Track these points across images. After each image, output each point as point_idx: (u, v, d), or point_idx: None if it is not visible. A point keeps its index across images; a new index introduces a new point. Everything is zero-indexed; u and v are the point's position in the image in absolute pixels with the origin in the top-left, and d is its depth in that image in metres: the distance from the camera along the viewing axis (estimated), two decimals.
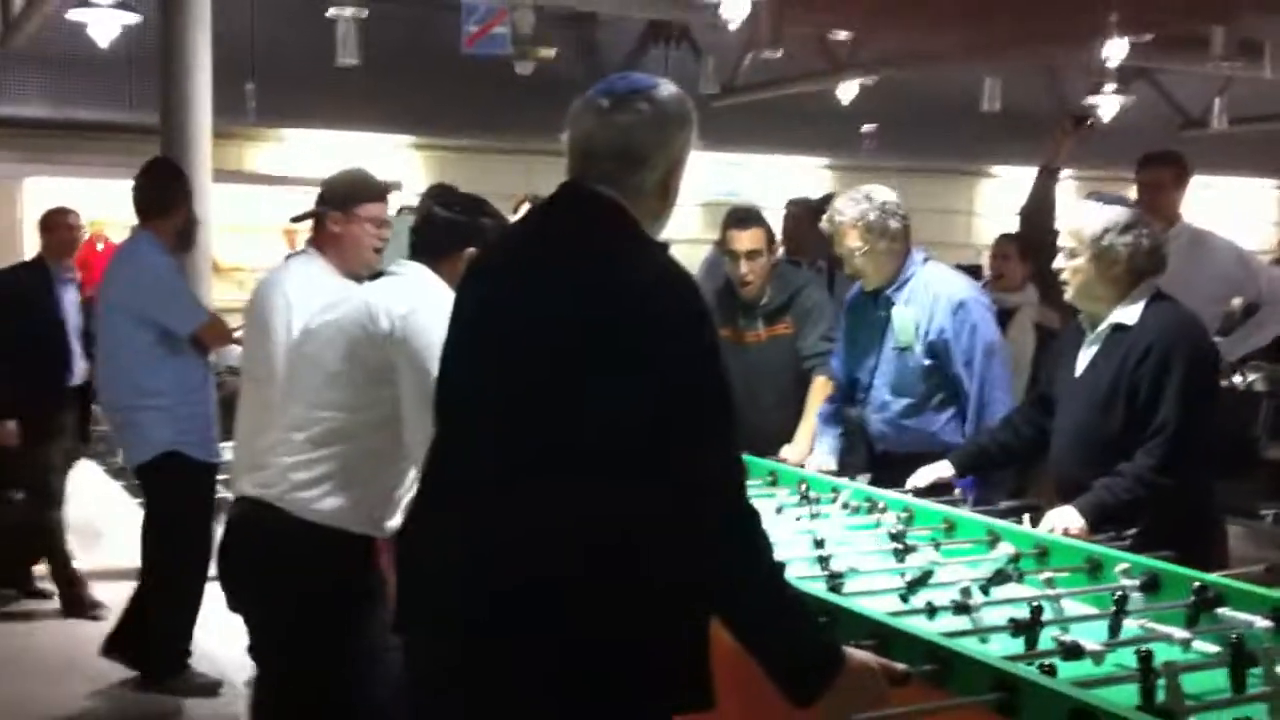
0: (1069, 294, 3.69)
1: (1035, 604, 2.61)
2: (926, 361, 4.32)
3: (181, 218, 5.46)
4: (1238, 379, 8.57)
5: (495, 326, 2.36)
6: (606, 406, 2.19)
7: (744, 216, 4.97)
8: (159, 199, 5.42)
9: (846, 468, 4.49)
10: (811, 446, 4.64)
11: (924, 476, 3.89)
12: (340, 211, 4.00)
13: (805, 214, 6.73)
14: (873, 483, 4.27)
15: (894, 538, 3.30)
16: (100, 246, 14.99)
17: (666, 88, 2.40)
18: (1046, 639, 2.52)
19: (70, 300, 6.58)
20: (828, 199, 4.78)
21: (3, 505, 6.52)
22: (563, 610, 2.20)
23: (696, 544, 2.19)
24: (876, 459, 4.51)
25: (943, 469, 3.91)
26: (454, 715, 2.34)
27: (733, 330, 4.93)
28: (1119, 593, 2.74)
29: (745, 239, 4.88)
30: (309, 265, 4.03)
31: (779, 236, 6.36)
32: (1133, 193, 5.34)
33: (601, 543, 2.20)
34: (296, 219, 4.31)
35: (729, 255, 4.94)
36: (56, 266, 6.52)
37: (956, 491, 3.92)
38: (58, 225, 6.61)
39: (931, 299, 4.32)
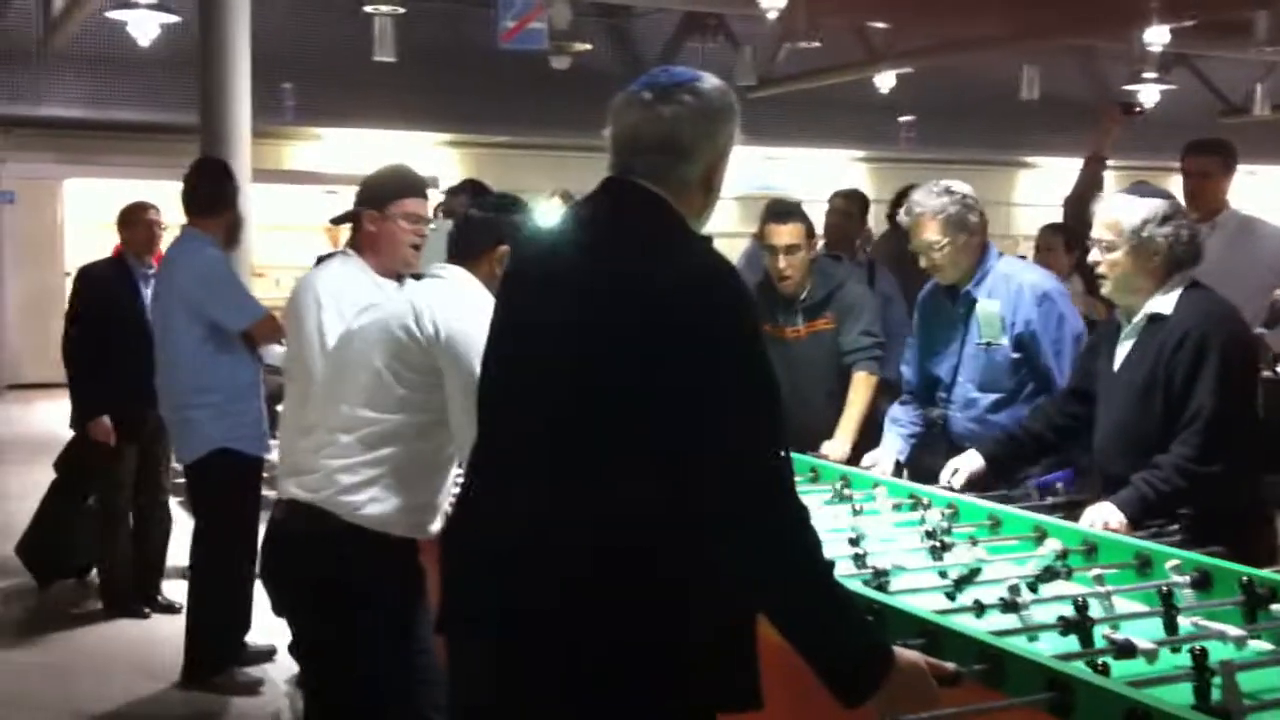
0: (1106, 289, 3.64)
1: (1080, 600, 2.56)
2: (1015, 355, 4.26)
3: (231, 216, 5.49)
4: None
5: (536, 324, 2.35)
6: (648, 403, 2.17)
7: (783, 210, 4.93)
8: (210, 198, 5.46)
9: (924, 470, 4.36)
10: (853, 442, 4.60)
11: (961, 473, 3.84)
12: (376, 210, 3.94)
13: (851, 206, 6.68)
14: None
15: (931, 535, 3.25)
16: None
17: (710, 80, 2.38)
18: (1098, 637, 2.49)
19: (151, 297, 6.41)
20: (906, 191, 4.70)
21: (79, 509, 6.45)
22: (602, 610, 2.18)
23: (741, 540, 2.16)
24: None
25: (972, 459, 3.87)
26: (491, 714, 2.33)
27: (773, 326, 4.89)
28: (1165, 588, 2.69)
29: (784, 234, 4.83)
30: (345, 266, 3.99)
31: (821, 229, 6.34)
32: (1173, 183, 5.27)
33: (643, 542, 2.19)
34: (336, 220, 4.26)
35: (767, 250, 4.89)
36: (137, 263, 6.42)
37: (1059, 485, 3.85)
38: (138, 221, 6.53)
39: (1015, 291, 4.26)
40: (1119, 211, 3.56)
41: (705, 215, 2.40)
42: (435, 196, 6.94)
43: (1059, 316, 4.25)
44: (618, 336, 2.21)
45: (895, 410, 4.57)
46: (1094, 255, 3.62)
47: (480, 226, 3.41)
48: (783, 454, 2.22)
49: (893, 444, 4.42)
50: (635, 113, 2.33)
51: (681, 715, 2.24)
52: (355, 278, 3.92)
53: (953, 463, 3.90)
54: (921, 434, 4.47)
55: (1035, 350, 4.25)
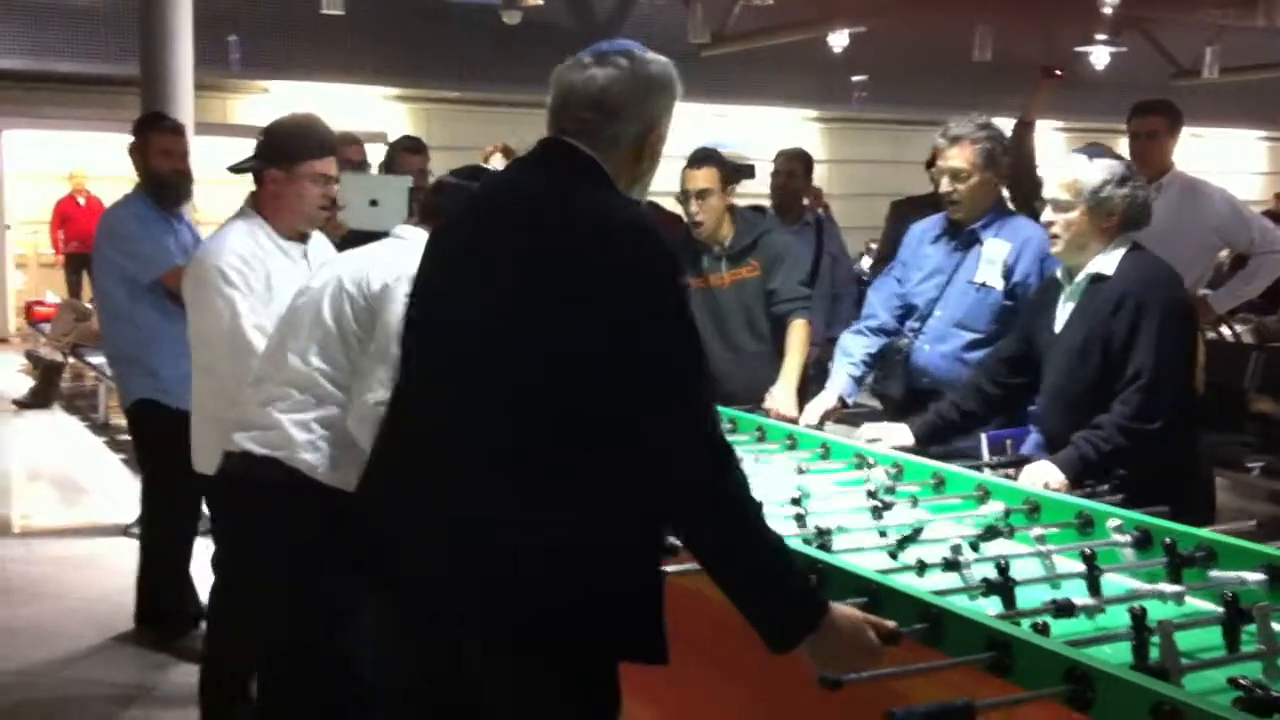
0: (1058, 248, 3.64)
1: (1003, 562, 2.56)
2: (1007, 302, 4.24)
3: (143, 168, 5.29)
4: (1225, 330, 8.55)
5: (460, 286, 2.38)
6: (571, 359, 2.21)
7: (698, 155, 4.92)
8: (130, 150, 5.36)
9: (880, 398, 4.43)
10: (798, 396, 4.57)
11: (882, 445, 3.80)
12: (282, 169, 3.77)
13: (794, 165, 6.65)
14: (905, 416, 4.24)
15: (874, 494, 3.25)
16: (82, 200, 14.89)
17: (652, 54, 2.44)
18: (1038, 597, 2.49)
19: None
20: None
21: None
22: (518, 556, 2.21)
23: (669, 486, 2.20)
24: (919, 394, 4.38)
25: (903, 435, 3.85)
26: (413, 660, 2.40)
27: (696, 275, 4.92)
28: (1089, 549, 2.69)
29: (697, 178, 4.83)
30: (251, 232, 3.82)
31: (769, 188, 6.33)
32: (1123, 145, 5.28)
33: (569, 497, 2.21)
34: (234, 169, 3.98)
35: (681, 194, 4.89)
36: None
37: (1008, 442, 3.85)
38: None
39: (1022, 241, 4.24)
40: (1078, 171, 3.56)
41: (641, 184, 2.45)
42: (382, 151, 6.86)
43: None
44: (542, 295, 2.24)
45: (848, 341, 4.50)
46: (1048, 215, 3.61)
47: (455, 193, 3.36)
48: (708, 397, 2.28)
49: (839, 383, 4.38)
50: (572, 74, 2.39)
51: (591, 660, 2.28)
52: (259, 244, 3.79)
53: (877, 429, 3.89)
54: (873, 363, 4.45)
55: (1022, 305, 4.25)
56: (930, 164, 4.67)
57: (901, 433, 3.89)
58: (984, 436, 3.96)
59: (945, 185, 4.29)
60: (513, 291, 2.27)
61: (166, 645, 5.17)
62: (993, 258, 4.26)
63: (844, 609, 2.23)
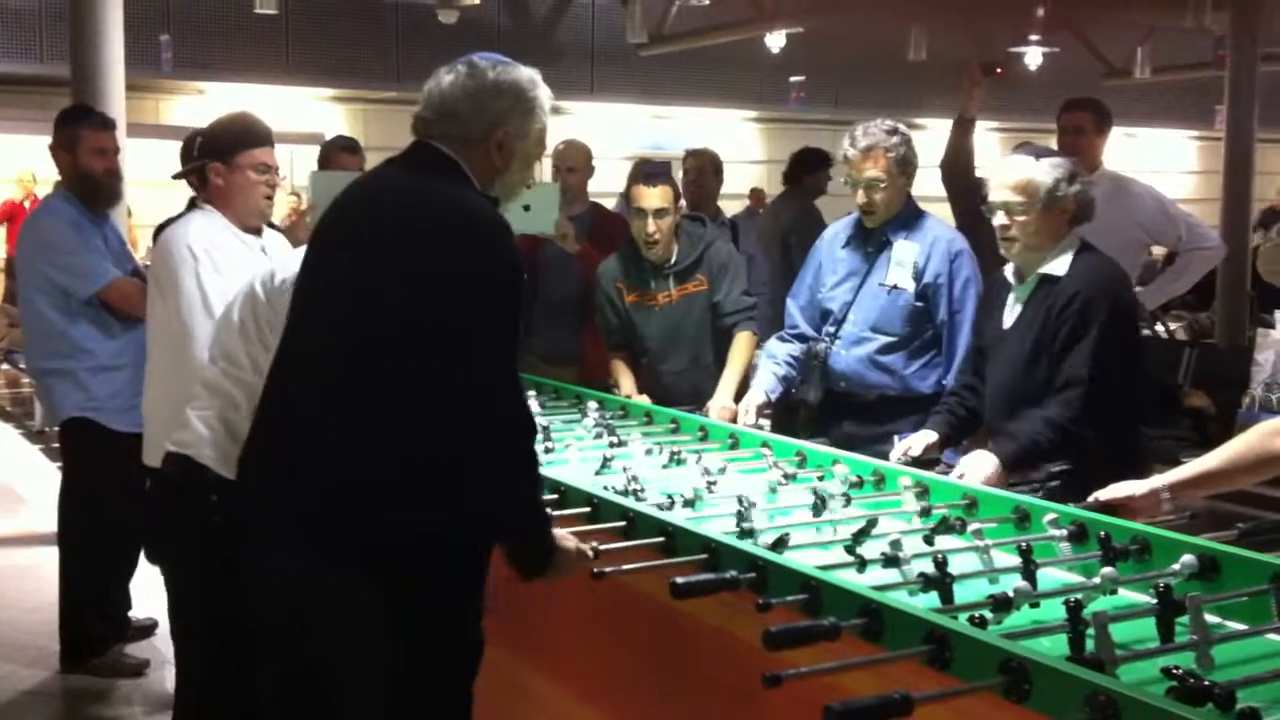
0: (1014, 250, 3.61)
1: (940, 557, 2.58)
2: (918, 303, 4.29)
3: (70, 167, 5.04)
4: (1159, 328, 8.68)
5: (324, 270, 2.65)
6: (407, 338, 2.45)
7: (652, 172, 4.84)
8: (52, 149, 5.12)
9: (795, 402, 4.46)
10: (737, 399, 4.57)
11: (916, 445, 3.74)
12: (221, 161, 3.79)
13: (704, 163, 6.66)
14: (823, 421, 4.34)
15: (815, 491, 3.26)
16: (28, 205, 14.62)
17: (505, 63, 2.69)
18: (976, 591, 2.52)
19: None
20: (803, 154, 4.62)
21: None
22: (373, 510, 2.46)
23: (479, 437, 2.50)
24: (835, 398, 4.44)
25: (930, 437, 3.80)
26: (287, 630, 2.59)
27: (642, 294, 4.86)
28: (1025, 544, 2.71)
29: (654, 196, 4.69)
30: (209, 220, 3.84)
31: (680, 189, 6.34)
32: (1054, 143, 5.33)
33: (399, 436, 2.45)
34: (178, 175, 4.04)
35: (636, 213, 4.75)
36: None
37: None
38: None
39: (931, 242, 4.29)
40: (1031, 172, 3.54)
41: (502, 182, 2.71)
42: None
43: (966, 279, 4.29)
44: (385, 274, 2.50)
45: (774, 345, 4.56)
46: (1000, 219, 3.58)
47: None
48: (514, 386, 2.55)
49: (763, 381, 4.42)
50: (427, 84, 2.70)
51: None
52: (221, 232, 3.81)
53: (907, 440, 3.80)
54: (796, 366, 4.48)
55: (936, 304, 4.29)
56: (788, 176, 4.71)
57: (924, 435, 3.78)
58: (898, 437, 3.95)
59: (861, 197, 4.30)
60: (360, 271, 2.52)
61: (98, 670, 4.96)
62: (902, 259, 4.30)
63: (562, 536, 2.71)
